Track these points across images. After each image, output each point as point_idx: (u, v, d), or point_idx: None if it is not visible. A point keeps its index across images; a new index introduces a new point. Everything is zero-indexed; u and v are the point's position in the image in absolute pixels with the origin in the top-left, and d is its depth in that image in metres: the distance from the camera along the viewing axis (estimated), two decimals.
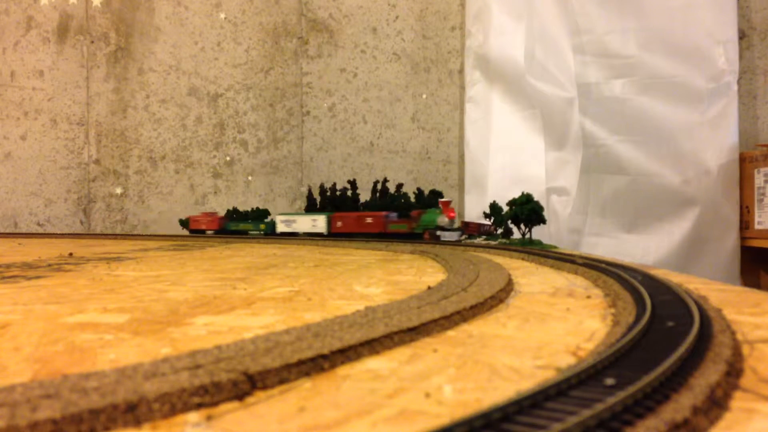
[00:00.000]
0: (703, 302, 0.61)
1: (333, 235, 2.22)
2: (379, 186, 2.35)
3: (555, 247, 1.64)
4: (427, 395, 0.37)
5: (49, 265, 1.28)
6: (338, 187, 2.46)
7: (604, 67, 2.63)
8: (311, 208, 2.50)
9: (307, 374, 0.41)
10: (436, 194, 2.19)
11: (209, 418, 0.33)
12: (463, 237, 1.99)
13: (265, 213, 2.70)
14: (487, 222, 1.99)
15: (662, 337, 0.45)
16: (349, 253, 1.63)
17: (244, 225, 2.59)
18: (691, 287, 0.74)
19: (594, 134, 2.64)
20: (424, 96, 3.04)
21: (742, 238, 2.58)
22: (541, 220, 1.78)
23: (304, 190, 2.84)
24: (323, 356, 0.42)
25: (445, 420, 0.30)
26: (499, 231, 1.93)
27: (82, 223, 3.24)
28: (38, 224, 3.27)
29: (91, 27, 3.23)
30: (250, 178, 3.15)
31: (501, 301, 0.71)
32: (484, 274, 0.87)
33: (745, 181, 2.57)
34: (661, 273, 0.92)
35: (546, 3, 2.62)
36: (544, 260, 1.21)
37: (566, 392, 0.32)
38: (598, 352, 0.43)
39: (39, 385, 0.34)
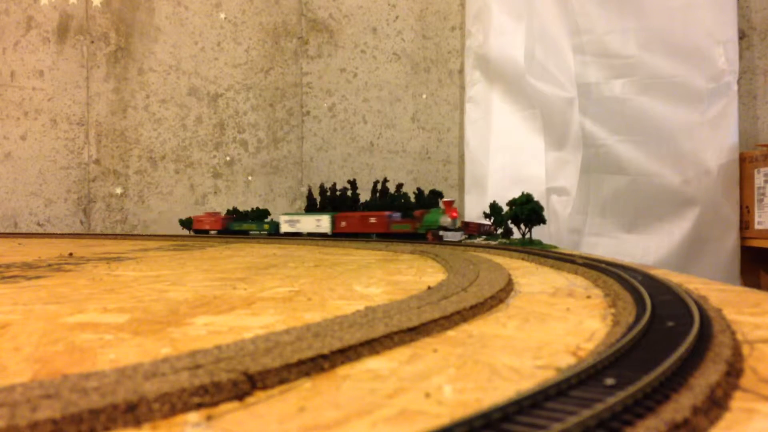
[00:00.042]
0: (703, 302, 0.61)
1: (337, 235, 2.22)
2: (379, 186, 2.35)
3: (555, 247, 1.64)
4: (427, 395, 0.37)
5: (49, 265, 1.28)
6: (338, 187, 2.46)
7: (604, 67, 2.63)
8: (311, 208, 2.50)
9: (307, 374, 0.41)
10: (436, 194, 2.19)
11: (209, 418, 0.33)
12: (464, 237, 1.99)
13: (265, 213, 2.70)
14: (487, 222, 1.99)
15: (662, 337, 0.45)
16: (349, 253, 1.63)
17: (247, 225, 2.59)
18: (691, 287, 0.74)
19: (594, 134, 2.64)
20: (424, 96, 3.04)
21: (742, 238, 2.58)
22: (541, 220, 1.77)
23: (304, 190, 2.84)
24: (323, 356, 0.42)
25: (445, 420, 0.30)
26: (499, 231, 1.93)
27: (82, 223, 3.24)
28: (38, 224, 3.27)
29: (91, 27, 3.23)
30: (250, 178, 3.15)
31: (501, 301, 0.71)
32: (484, 274, 0.87)
33: (745, 181, 2.57)
34: (661, 273, 0.92)
35: (546, 3, 2.62)
36: (544, 260, 1.21)
37: (566, 392, 0.32)
38: (598, 352, 0.43)
39: (39, 385, 0.34)
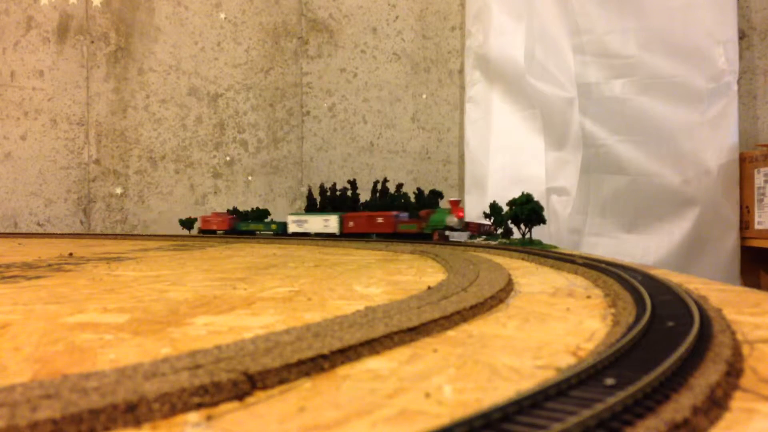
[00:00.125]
0: (703, 302, 0.61)
1: (344, 236, 2.21)
2: (379, 186, 2.35)
3: (555, 247, 1.64)
4: (427, 395, 0.37)
5: (49, 265, 1.28)
6: (338, 187, 2.46)
7: (604, 67, 2.63)
8: (311, 208, 2.49)
9: (307, 374, 0.41)
10: (436, 194, 2.19)
11: (209, 418, 0.33)
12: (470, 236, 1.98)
13: (266, 213, 2.70)
14: (487, 222, 1.99)
15: (662, 337, 0.45)
16: (349, 253, 1.63)
17: (254, 225, 2.58)
18: (691, 287, 0.74)
19: (594, 134, 2.64)
20: (424, 96, 3.04)
21: (742, 238, 2.58)
22: (541, 220, 1.77)
23: (304, 190, 2.84)
24: (323, 356, 0.42)
25: (445, 420, 0.30)
26: (499, 231, 1.92)
27: (82, 223, 3.24)
28: (38, 224, 3.27)
29: (91, 27, 3.23)
30: (250, 178, 3.15)
31: (501, 301, 0.71)
32: (484, 274, 0.87)
33: (745, 181, 2.57)
34: (661, 273, 0.92)
35: (546, 3, 2.62)
36: (544, 260, 1.21)
37: (566, 392, 0.32)
38: (598, 352, 0.43)
39: (39, 385, 0.34)
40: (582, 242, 2.68)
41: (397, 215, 2.08)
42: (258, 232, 2.55)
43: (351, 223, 2.21)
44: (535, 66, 2.60)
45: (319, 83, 3.10)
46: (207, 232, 2.73)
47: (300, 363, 0.41)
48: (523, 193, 1.81)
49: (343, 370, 0.42)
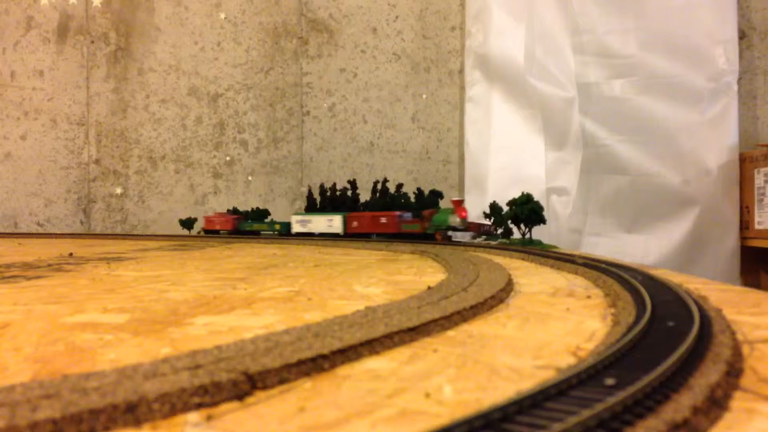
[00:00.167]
0: (703, 302, 0.61)
1: (348, 236, 2.20)
2: (379, 186, 2.35)
3: (555, 247, 1.64)
4: (427, 395, 0.37)
5: (49, 265, 1.28)
6: (338, 187, 2.46)
7: (604, 67, 2.63)
8: (311, 208, 2.49)
9: (307, 374, 0.41)
10: (436, 194, 2.19)
11: (209, 418, 0.33)
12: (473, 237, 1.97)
13: (265, 213, 2.69)
14: (487, 222, 1.98)
15: (662, 337, 0.45)
16: (349, 253, 1.63)
17: (258, 225, 2.58)
18: (691, 287, 0.74)
19: (594, 134, 2.64)
20: (424, 96, 3.04)
21: (742, 238, 2.58)
22: (541, 220, 1.77)
23: (304, 190, 2.84)
24: (323, 356, 0.42)
25: (445, 420, 0.30)
26: (499, 231, 1.92)
27: (82, 223, 3.24)
28: (38, 224, 3.27)
29: (91, 27, 3.23)
30: (250, 178, 3.15)
31: (501, 301, 0.71)
32: (484, 274, 0.87)
33: (745, 181, 2.57)
34: (661, 273, 0.92)
35: (546, 3, 2.62)
36: (544, 260, 1.21)
37: (566, 392, 0.32)
38: (598, 352, 0.43)
39: (39, 385, 0.34)
40: (582, 242, 2.68)
41: (400, 215, 2.06)
42: (262, 233, 2.54)
43: (355, 223, 2.21)
44: (535, 66, 2.60)
45: (319, 83, 3.11)
46: (211, 233, 2.71)
47: (300, 363, 0.41)
48: (523, 193, 1.81)
49: (343, 370, 0.42)
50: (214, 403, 0.35)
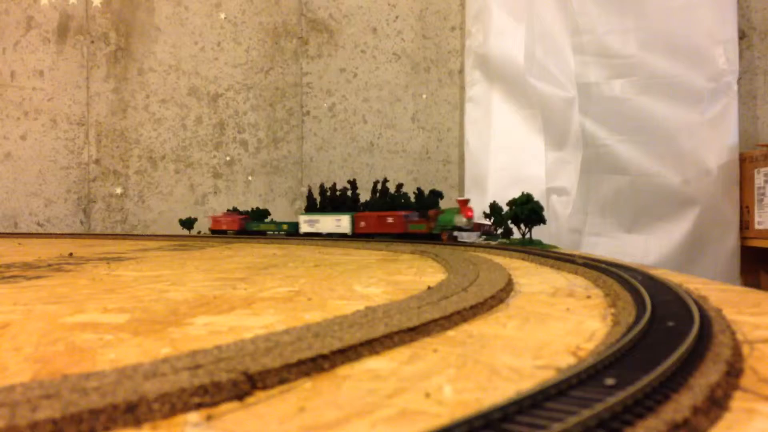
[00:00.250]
0: (703, 302, 0.61)
1: (356, 236, 2.20)
2: (379, 186, 2.35)
3: (555, 247, 1.64)
4: (427, 395, 0.37)
5: (49, 265, 1.28)
6: (338, 187, 2.46)
7: (604, 67, 2.63)
8: (311, 208, 2.49)
9: (307, 374, 0.41)
10: (436, 194, 2.19)
11: (209, 418, 0.33)
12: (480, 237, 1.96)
13: (266, 213, 2.69)
14: (487, 222, 1.98)
15: (662, 337, 0.45)
16: (349, 253, 1.63)
17: (265, 225, 2.57)
18: (691, 287, 0.74)
19: (594, 134, 2.64)
20: (424, 96, 3.04)
21: (742, 238, 2.58)
22: (541, 220, 1.77)
23: (304, 190, 2.84)
24: (323, 356, 0.42)
25: (445, 420, 0.30)
26: (499, 231, 1.92)
27: (82, 223, 3.24)
28: (38, 224, 3.27)
29: (91, 27, 3.23)
30: (250, 178, 3.15)
31: (501, 301, 0.71)
32: (484, 274, 0.87)
33: (745, 181, 2.57)
34: (661, 273, 0.92)
35: (546, 3, 2.62)
36: (544, 260, 1.21)
37: (566, 392, 0.32)
38: (598, 352, 0.43)
39: (39, 385, 0.34)
40: (582, 242, 2.68)
41: (407, 215, 2.05)
42: (269, 233, 2.53)
43: (362, 223, 2.20)
44: (535, 66, 2.60)
45: (319, 83, 3.11)
46: (217, 233, 2.69)
47: (300, 363, 0.41)
48: (523, 193, 1.81)
49: (343, 370, 0.42)
50: (214, 403, 0.35)
